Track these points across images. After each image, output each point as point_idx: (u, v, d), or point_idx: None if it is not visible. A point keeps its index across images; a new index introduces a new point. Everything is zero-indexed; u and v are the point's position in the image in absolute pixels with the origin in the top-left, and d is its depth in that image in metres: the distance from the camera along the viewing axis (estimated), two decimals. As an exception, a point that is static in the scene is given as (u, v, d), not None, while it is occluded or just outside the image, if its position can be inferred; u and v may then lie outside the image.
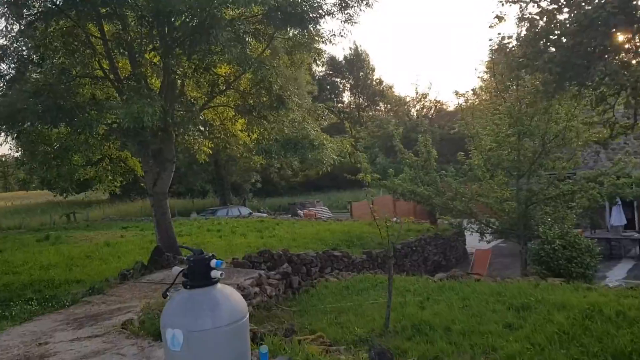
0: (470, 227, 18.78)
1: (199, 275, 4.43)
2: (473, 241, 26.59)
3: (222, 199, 52.38)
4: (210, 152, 15.61)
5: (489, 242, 19.32)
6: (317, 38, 13.13)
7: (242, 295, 9.70)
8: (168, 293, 4.69)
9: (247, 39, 12.26)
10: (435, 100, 31.31)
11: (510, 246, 22.97)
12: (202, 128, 14.09)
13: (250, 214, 42.56)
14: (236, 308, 4.47)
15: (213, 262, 4.45)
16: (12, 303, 10.59)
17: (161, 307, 8.47)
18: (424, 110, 30.98)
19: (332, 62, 74.26)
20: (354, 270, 18.50)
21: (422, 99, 30.70)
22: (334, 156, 13.18)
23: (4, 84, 11.73)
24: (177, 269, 4.53)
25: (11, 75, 11.89)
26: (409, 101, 32.21)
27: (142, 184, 15.38)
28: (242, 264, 14.78)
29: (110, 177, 14.23)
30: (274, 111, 12.80)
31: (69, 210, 43.18)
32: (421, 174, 19.06)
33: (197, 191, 58.03)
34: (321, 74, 74.72)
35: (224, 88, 13.54)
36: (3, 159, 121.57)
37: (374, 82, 77.15)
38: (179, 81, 13.23)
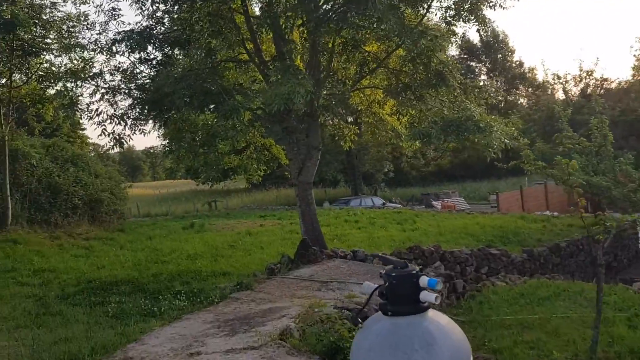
0: (659, 224, 15.76)
1: (403, 297, 2.97)
2: (647, 239, 23.02)
3: (354, 189, 51.67)
4: (356, 138, 14.42)
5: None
6: (482, 5, 11.32)
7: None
8: (359, 320, 3.31)
9: (402, 8, 10.80)
10: (601, 77, 27.19)
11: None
12: (347, 112, 12.89)
13: (384, 204, 41.25)
14: (458, 346, 2.98)
15: (424, 280, 2.97)
16: (160, 296, 10.21)
17: (321, 316, 7.39)
18: (589, 88, 27.22)
19: (467, 45, 70.21)
20: (514, 270, 16.38)
21: (587, 77, 26.93)
22: (506, 140, 11.29)
23: (151, 69, 11.41)
24: (369, 286, 3.14)
25: (158, 59, 11.55)
26: (569, 80, 28.52)
27: (286, 173, 14.59)
28: (389, 262, 13.46)
29: (255, 166, 13.61)
30: (433, 89, 11.23)
31: (211, 199, 44.94)
32: (594, 162, 16.36)
33: (329, 180, 57.86)
34: (455, 57, 70.95)
35: (374, 67, 12.21)
36: (152, 150, 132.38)
37: (514, 65, 71.82)
38: (325, 60, 12.13)
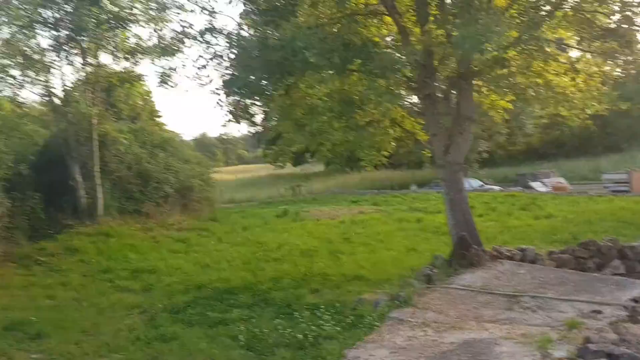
0: None
1: None
2: None
3: (443, 171, 48.18)
4: (512, 107, 11.49)
5: None
6: None
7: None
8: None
9: None
10: None
11: None
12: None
13: (482, 186, 37.80)
14: None
15: None
16: (295, 312, 7.95)
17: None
18: None
19: None
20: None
21: None
22: None
23: (265, 22, 8.89)
24: None
25: (273, 12, 9.04)
26: None
27: (424, 152, 12.00)
28: (565, 261, 10.61)
29: (392, 143, 11.01)
30: None
31: (294, 183, 43.13)
32: None
33: (413, 162, 54.44)
34: None
35: (551, 8, 9.16)
36: (225, 137, 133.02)
37: None
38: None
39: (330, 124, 9.51)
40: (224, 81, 8.72)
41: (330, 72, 8.22)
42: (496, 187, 37.05)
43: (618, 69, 8.86)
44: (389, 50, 8.39)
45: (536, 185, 37.40)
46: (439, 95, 10.30)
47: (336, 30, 8.24)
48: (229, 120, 9.00)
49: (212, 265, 12.23)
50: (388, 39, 9.81)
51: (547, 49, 9.24)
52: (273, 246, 14.23)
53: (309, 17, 8.62)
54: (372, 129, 10.65)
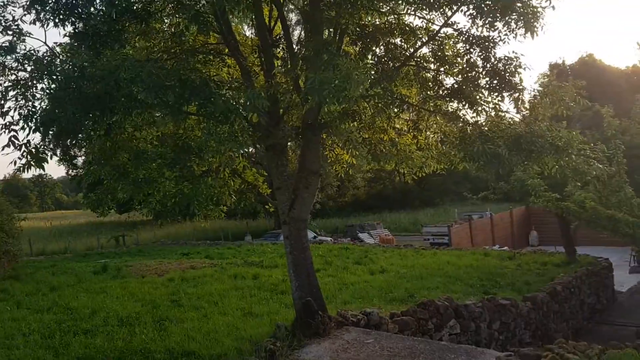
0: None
1: None
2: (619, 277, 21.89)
3: (277, 221, 48.16)
4: (355, 163, 11.15)
5: None
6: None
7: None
8: None
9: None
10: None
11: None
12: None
13: (315, 237, 38.28)
14: None
15: None
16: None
17: None
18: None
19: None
20: (522, 323, 13.87)
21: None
22: (599, 165, 8.55)
23: (89, 49, 7.26)
24: None
25: (95, 37, 7.49)
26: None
27: (268, 206, 11.11)
28: (408, 323, 10.26)
29: (232, 196, 9.82)
30: (495, 93, 8.27)
31: (117, 233, 39.46)
32: (606, 193, 14.33)
33: (248, 212, 53.65)
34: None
35: (398, 65, 9.03)
36: (40, 179, 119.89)
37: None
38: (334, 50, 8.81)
39: (161, 172, 8.16)
40: (22, 115, 6.94)
41: (163, 112, 6.97)
42: (328, 239, 37.68)
43: (461, 130, 8.83)
44: (232, 92, 7.44)
45: (364, 236, 38.88)
46: (285, 146, 9.54)
47: (170, 66, 7.06)
48: (27, 163, 7.13)
49: (2, 341, 9.76)
50: (231, 80, 8.85)
51: (399, 104, 9.07)
52: (85, 313, 11.98)
53: (140, 51, 7.30)
54: (210, 180, 9.44)
